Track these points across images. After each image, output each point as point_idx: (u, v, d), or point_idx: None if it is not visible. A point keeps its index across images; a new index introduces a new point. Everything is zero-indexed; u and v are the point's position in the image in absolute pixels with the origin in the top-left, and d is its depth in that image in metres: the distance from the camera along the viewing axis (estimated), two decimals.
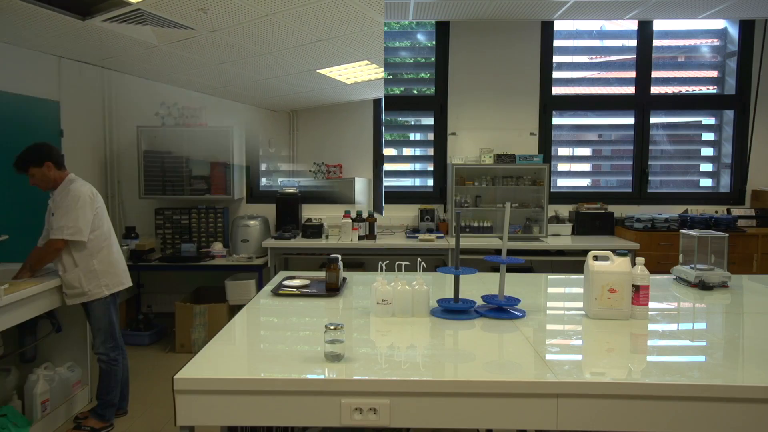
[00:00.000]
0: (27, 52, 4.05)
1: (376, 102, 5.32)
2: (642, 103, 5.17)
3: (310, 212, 5.14)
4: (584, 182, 5.55)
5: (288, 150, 5.54)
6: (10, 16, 3.47)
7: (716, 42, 5.30)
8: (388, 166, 5.45)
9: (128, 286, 3.35)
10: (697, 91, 5.32)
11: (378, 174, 5.36)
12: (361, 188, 5.34)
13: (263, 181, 5.33)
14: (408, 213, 5.18)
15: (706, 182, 5.41)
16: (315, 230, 4.74)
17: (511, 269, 3.11)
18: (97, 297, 3.15)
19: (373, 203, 5.34)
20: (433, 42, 5.16)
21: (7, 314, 2.77)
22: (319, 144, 5.44)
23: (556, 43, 5.15)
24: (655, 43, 5.15)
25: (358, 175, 5.38)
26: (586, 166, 5.68)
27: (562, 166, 5.38)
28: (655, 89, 5.20)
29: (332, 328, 1.76)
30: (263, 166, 5.33)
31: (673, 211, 5.01)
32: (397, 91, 5.30)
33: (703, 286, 2.75)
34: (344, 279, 2.89)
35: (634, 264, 2.23)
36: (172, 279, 5.19)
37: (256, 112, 5.41)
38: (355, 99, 5.36)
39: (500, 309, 2.33)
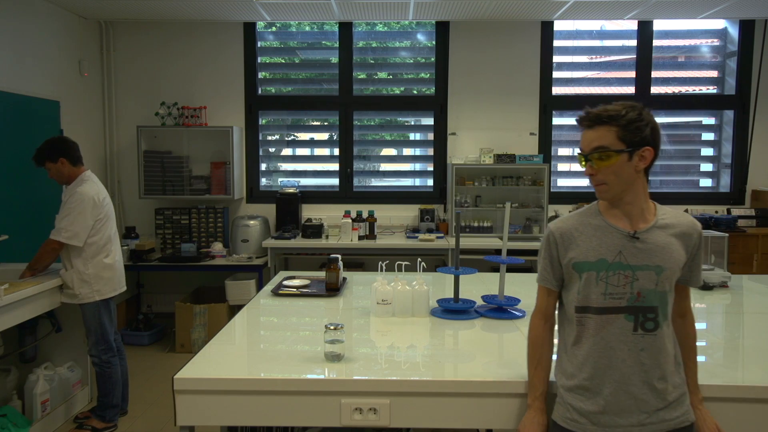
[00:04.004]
0: (27, 52, 4.05)
1: (249, 27, 5.04)
2: (642, 104, 5.15)
3: (310, 212, 5.14)
4: (584, 182, 5.54)
5: (101, 78, 4.99)
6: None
7: (716, 42, 5.29)
8: (387, 166, 5.45)
9: (121, 291, 3.33)
10: (697, 91, 5.32)
11: (253, 124, 5.15)
12: (238, 141, 5.01)
13: (263, 181, 5.33)
14: (408, 213, 5.17)
15: (706, 182, 5.40)
16: (315, 230, 4.74)
17: (511, 269, 3.11)
18: (86, 301, 3.14)
19: (246, 159, 5.17)
20: (433, 42, 5.16)
21: (7, 314, 2.77)
22: (156, 75, 5.09)
23: (556, 43, 5.14)
24: (655, 43, 5.15)
25: (225, 123, 5.04)
26: None
27: (562, 166, 5.38)
28: (655, 89, 5.20)
29: (332, 328, 1.76)
30: (263, 166, 5.33)
31: None
32: (397, 91, 5.30)
33: (703, 286, 2.75)
34: (344, 279, 2.89)
35: None
36: (172, 279, 5.19)
37: (64, 18, 4.41)
38: (214, 18, 4.85)
39: (500, 309, 2.33)
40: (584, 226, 1.54)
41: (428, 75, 5.23)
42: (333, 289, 2.65)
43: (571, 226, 1.56)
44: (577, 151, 1.53)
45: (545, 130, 5.16)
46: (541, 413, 1.57)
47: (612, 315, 1.48)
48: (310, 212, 5.14)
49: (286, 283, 2.80)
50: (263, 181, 5.32)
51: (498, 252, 4.13)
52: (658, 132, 1.50)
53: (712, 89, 5.30)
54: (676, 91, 5.30)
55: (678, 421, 1.49)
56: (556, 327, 1.65)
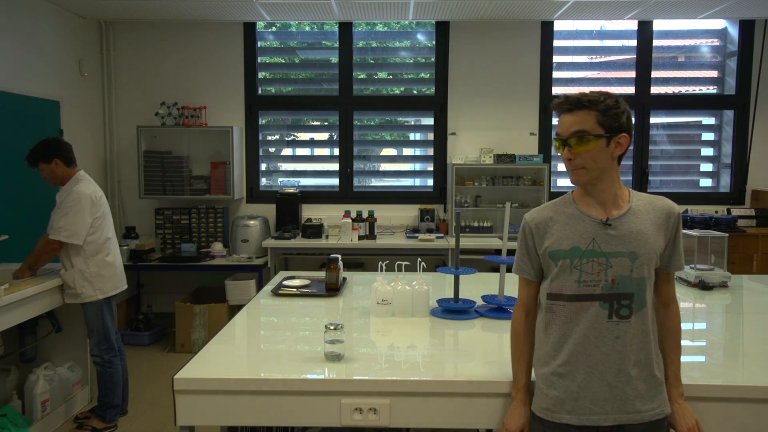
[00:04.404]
0: (27, 52, 4.05)
1: (249, 27, 5.06)
2: (642, 103, 5.16)
3: (310, 212, 5.14)
4: None
5: (101, 78, 5.02)
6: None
7: (716, 42, 5.30)
8: (387, 166, 5.45)
9: (123, 290, 3.33)
10: (697, 91, 5.32)
11: (253, 124, 5.16)
12: (238, 141, 5.00)
13: (263, 181, 5.33)
14: (408, 213, 5.17)
15: (706, 182, 5.40)
16: (315, 230, 4.74)
17: (511, 269, 3.12)
18: (89, 300, 3.14)
19: (246, 159, 5.17)
20: (433, 42, 5.16)
21: (7, 314, 2.77)
22: (156, 75, 5.10)
23: (556, 43, 5.14)
24: (655, 43, 5.14)
25: (225, 123, 5.05)
26: None
27: (562, 166, 5.37)
28: (655, 89, 5.20)
29: (332, 328, 1.76)
30: (263, 166, 5.33)
31: None
32: (397, 91, 5.30)
33: (703, 286, 2.75)
34: (344, 279, 2.89)
35: None
36: (172, 279, 5.19)
37: (64, 18, 4.44)
38: (214, 18, 4.87)
39: (500, 309, 2.33)
40: (558, 215, 1.56)
41: (428, 75, 5.23)
42: (333, 289, 2.65)
43: (545, 216, 1.58)
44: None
45: (545, 130, 5.16)
46: (523, 405, 1.58)
47: (586, 302, 1.48)
48: (310, 212, 5.14)
49: (286, 283, 2.80)
50: (263, 181, 5.32)
51: (498, 252, 4.14)
52: (632, 121, 1.52)
53: (712, 89, 5.30)
54: (676, 91, 5.30)
55: (653, 413, 1.48)
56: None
